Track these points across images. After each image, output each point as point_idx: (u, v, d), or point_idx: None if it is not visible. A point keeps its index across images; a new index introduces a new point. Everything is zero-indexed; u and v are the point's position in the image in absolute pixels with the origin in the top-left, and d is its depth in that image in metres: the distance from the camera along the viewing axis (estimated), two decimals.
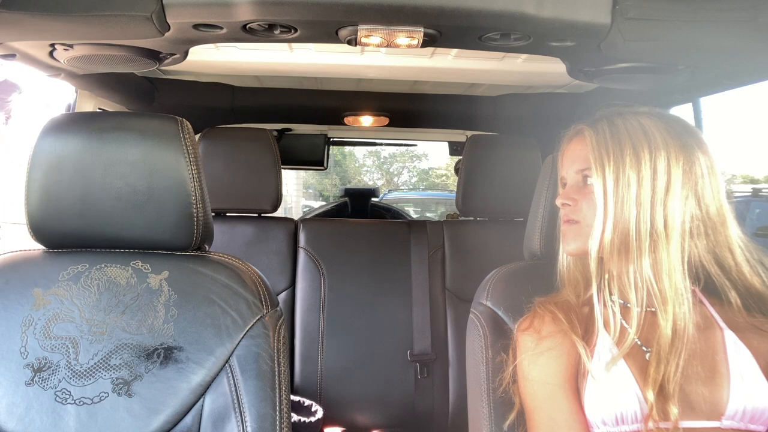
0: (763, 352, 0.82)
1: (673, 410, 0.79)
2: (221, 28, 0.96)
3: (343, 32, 0.97)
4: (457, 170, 2.35)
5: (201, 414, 0.84)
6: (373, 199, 3.79)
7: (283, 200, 1.80)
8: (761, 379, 0.80)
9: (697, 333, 0.83)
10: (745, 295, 0.85)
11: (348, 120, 2.17)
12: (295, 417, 1.51)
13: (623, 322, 0.85)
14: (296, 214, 10.03)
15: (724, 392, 0.80)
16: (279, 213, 1.87)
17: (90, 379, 0.84)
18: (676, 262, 0.81)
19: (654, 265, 0.82)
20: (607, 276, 0.88)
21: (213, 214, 0.97)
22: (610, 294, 0.87)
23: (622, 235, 0.83)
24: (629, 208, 0.83)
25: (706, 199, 0.83)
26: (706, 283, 0.86)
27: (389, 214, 3.78)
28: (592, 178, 0.86)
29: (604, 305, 0.86)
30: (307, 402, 1.62)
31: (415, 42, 1.00)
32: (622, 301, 0.87)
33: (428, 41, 1.00)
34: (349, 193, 3.82)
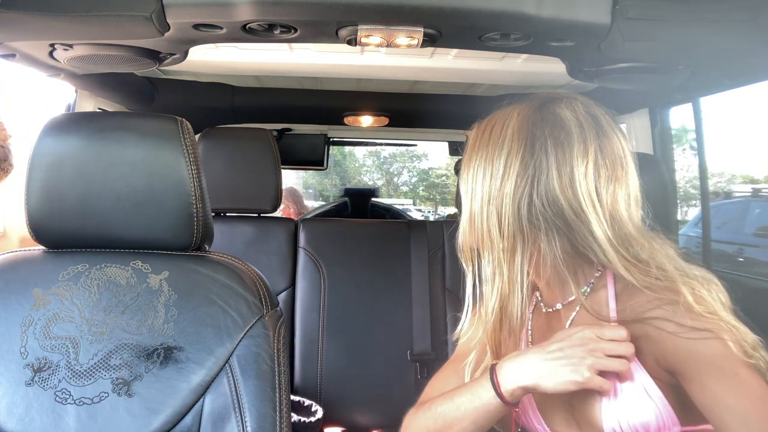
0: (651, 351, 0.75)
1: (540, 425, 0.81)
2: (221, 28, 0.96)
3: (343, 32, 0.97)
4: (457, 170, 2.35)
5: (201, 414, 0.84)
6: (373, 198, 3.79)
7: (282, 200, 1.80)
8: (639, 392, 0.74)
9: None
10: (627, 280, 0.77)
11: (348, 120, 2.17)
12: (295, 417, 1.51)
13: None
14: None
15: (596, 408, 0.77)
16: (279, 213, 1.87)
17: (90, 379, 0.84)
18: (508, 262, 0.80)
19: (491, 263, 0.81)
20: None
21: (213, 214, 0.97)
22: None
23: (476, 232, 0.82)
24: (476, 204, 0.82)
25: (556, 194, 0.77)
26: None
27: (389, 214, 3.78)
28: (461, 175, 0.86)
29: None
30: (307, 402, 1.62)
31: (415, 42, 1.00)
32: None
33: (428, 41, 1.00)
34: (349, 193, 3.82)
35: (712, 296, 0.73)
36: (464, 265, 0.87)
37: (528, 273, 0.81)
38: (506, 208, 0.78)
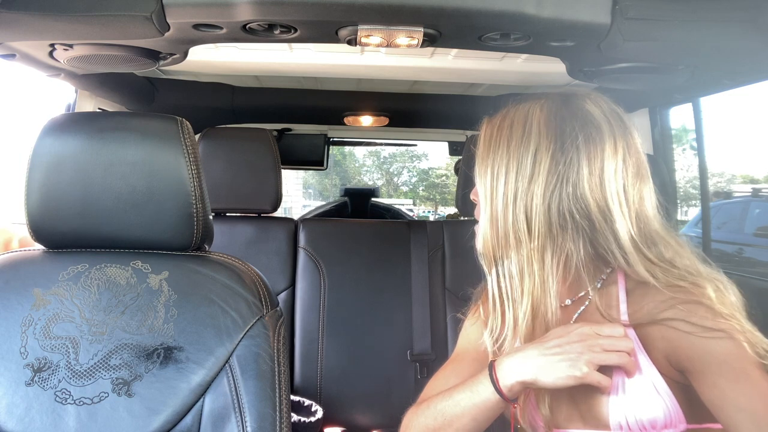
0: (662, 348, 0.75)
1: (544, 411, 0.81)
2: (221, 28, 0.97)
3: (343, 32, 0.97)
4: (457, 170, 2.35)
5: (201, 414, 0.84)
6: (373, 198, 3.79)
7: (282, 200, 1.80)
8: (648, 388, 0.74)
9: None
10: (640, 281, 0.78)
11: (348, 120, 2.17)
12: (295, 417, 1.51)
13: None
14: (296, 214, 10.03)
15: (603, 404, 0.77)
16: (279, 213, 1.87)
17: (90, 379, 0.84)
18: (539, 262, 0.77)
19: (519, 263, 0.79)
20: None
21: (213, 214, 0.97)
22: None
23: (499, 231, 0.80)
24: (498, 203, 0.79)
25: (585, 193, 0.76)
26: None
27: (389, 214, 3.78)
28: (476, 173, 0.84)
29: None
30: (307, 402, 1.62)
31: (415, 42, 1.00)
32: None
33: (428, 41, 1.00)
34: (349, 192, 3.82)
35: (731, 299, 0.73)
36: (485, 268, 0.84)
37: (557, 273, 0.79)
38: (536, 208, 0.76)
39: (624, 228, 0.75)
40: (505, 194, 0.78)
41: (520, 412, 0.87)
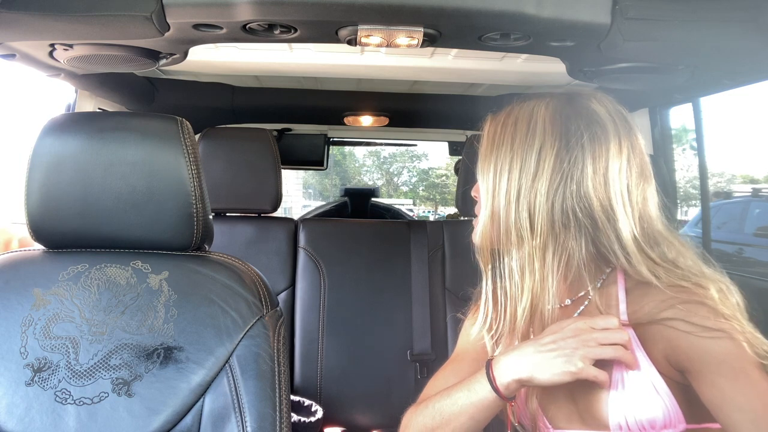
0: (662, 347, 0.75)
1: (531, 408, 0.81)
2: (221, 28, 0.97)
3: (343, 32, 0.97)
4: (457, 170, 2.35)
5: (201, 414, 0.84)
6: (373, 198, 3.79)
7: (282, 200, 1.80)
8: (647, 388, 0.74)
9: None
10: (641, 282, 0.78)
11: (348, 120, 2.17)
12: (295, 417, 1.52)
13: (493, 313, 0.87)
14: (296, 214, 10.03)
15: (602, 403, 0.76)
16: (279, 213, 1.87)
17: (90, 379, 0.84)
18: (540, 260, 0.77)
19: (520, 260, 0.79)
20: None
21: (213, 214, 0.97)
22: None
23: (500, 228, 0.80)
24: (500, 200, 0.79)
25: (588, 192, 0.76)
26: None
27: (389, 214, 3.78)
28: (478, 170, 0.84)
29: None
30: (307, 402, 1.62)
31: (415, 42, 1.00)
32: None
33: (428, 41, 1.00)
34: (349, 192, 3.82)
35: (733, 301, 0.73)
36: (481, 265, 0.85)
37: (557, 272, 0.79)
38: (539, 205, 0.77)
39: (627, 228, 0.75)
40: (508, 191, 0.79)
41: (517, 411, 0.87)
